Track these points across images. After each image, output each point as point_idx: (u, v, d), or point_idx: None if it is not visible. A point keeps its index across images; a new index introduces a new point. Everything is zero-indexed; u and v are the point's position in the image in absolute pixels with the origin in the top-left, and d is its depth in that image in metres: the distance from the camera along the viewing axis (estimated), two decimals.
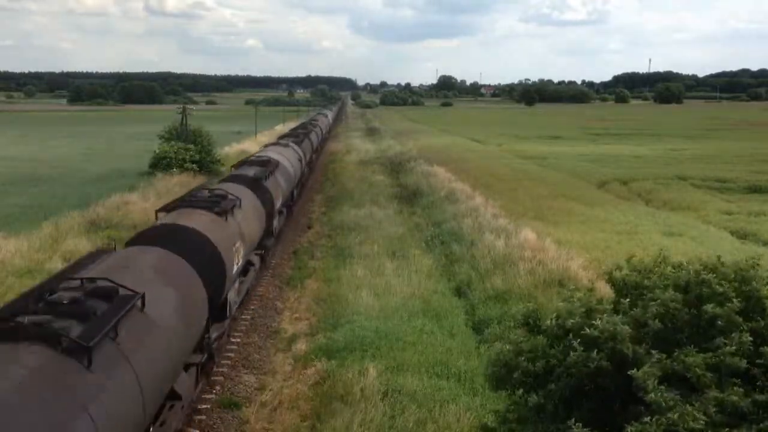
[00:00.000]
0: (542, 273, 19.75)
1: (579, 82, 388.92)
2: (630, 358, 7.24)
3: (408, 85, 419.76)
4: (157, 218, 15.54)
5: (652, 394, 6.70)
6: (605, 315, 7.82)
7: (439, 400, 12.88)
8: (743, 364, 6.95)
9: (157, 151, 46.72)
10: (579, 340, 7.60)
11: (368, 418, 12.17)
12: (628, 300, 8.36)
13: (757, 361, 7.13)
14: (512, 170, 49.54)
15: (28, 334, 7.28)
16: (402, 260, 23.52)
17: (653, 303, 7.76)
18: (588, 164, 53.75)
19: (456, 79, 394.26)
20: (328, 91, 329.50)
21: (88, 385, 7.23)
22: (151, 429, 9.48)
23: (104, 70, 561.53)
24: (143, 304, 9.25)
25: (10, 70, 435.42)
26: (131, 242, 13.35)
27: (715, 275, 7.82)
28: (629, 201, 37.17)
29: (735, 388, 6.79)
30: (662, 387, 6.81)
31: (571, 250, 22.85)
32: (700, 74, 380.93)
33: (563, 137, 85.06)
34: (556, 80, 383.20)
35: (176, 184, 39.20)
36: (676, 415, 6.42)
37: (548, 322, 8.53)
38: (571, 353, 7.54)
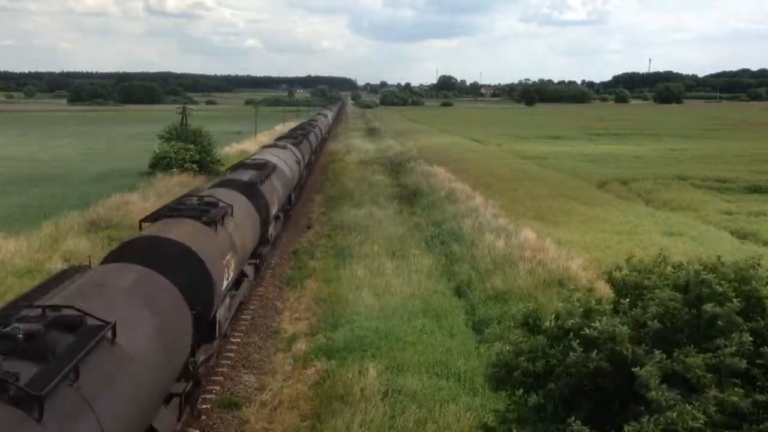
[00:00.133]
0: (542, 273, 19.76)
1: (579, 82, 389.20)
2: (629, 359, 7.24)
3: (408, 85, 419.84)
4: (141, 228, 14.40)
5: (654, 392, 6.70)
6: (605, 317, 7.81)
7: (439, 400, 12.88)
8: (743, 364, 6.95)
9: (157, 151, 46.73)
10: (578, 340, 7.60)
11: (368, 418, 12.17)
12: (627, 300, 8.36)
13: (758, 361, 7.13)
14: (512, 170, 49.55)
15: None
16: (402, 260, 23.52)
17: (653, 303, 7.76)
18: (588, 164, 53.76)
19: (456, 79, 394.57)
20: (328, 91, 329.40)
21: None
22: None
23: (104, 70, 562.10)
24: (114, 334, 8.13)
25: (10, 70, 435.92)
26: (108, 258, 12.36)
27: (715, 275, 7.82)
28: (629, 201, 37.17)
29: (735, 388, 6.79)
30: (664, 386, 6.81)
31: (571, 250, 22.85)
32: (700, 74, 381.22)
33: (563, 137, 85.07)
34: (556, 80, 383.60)
35: (176, 184, 39.21)
36: (675, 414, 6.42)
37: (548, 323, 8.53)
38: (571, 353, 7.54)
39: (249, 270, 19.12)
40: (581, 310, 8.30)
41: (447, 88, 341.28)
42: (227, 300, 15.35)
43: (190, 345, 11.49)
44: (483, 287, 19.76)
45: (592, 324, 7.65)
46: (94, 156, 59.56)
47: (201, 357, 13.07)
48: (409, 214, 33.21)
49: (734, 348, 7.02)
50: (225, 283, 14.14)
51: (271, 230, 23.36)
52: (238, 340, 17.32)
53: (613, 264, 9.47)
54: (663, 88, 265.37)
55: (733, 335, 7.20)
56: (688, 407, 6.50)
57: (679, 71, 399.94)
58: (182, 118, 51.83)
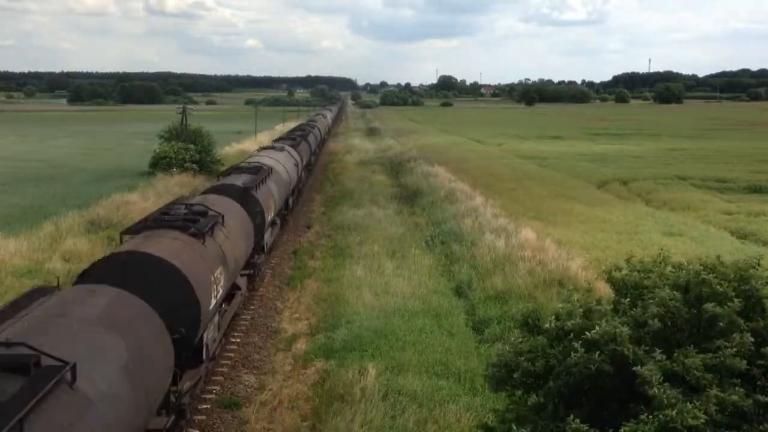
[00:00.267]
0: (542, 273, 19.76)
1: (579, 82, 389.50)
2: (630, 359, 7.24)
3: (408, 85, 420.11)
4: (121, 241, 13.38)
5: (656, 389, 6.70)
6: (606, 318, 7.80)
7: (439, 400, 12.89)
8: (744, 364, 6.95)
9: (157, 151, 46.73)
10: (580, 342, 7.60)
11: (368, 418, 12.17)
12: (628, 300, 8.36)
13: (758, 362, 7.13)
14: (512, 170, 49.55)
15: None
16: (402, 260, 23.52)
17: (653, 302, 7.76)
18: (588, 164, 53.76)
19: (456, 79, 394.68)
20: (328, 91, 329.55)
21: None
22: None
23: (104, 70, 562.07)
24: (74, 376, 6.98)
25: (10, 70, 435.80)
26: (81, 278, 11.20)
27: (715, 275, 7.82)
28: (629, 201, 37.17)
29: (736, 388, 6.79)
30: (666, 384, 6.82)
31: (571, 250, 22.87)
32: (700, 74, 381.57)
33: (563, 137, 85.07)
34: (556, 80, 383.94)
35: (176, 183, 39.23)
36: (674, 412, 6.42)
37: (548, 324, 8.53)
38: (572, 354, 7.54)
39: (242, 282, 17.96)
40: (581, 310, 8.30)
41: (447, 88, 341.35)
42: (216, 318, 14.22)
43: (170, 375, 10.30)
44: (483, 287, 19.76)
45: (594, 326, 7.64)
46: (94, 156, 59.55)
47: (186, 385, 11.96)
48: (409, 214, 33.22)
49: (735, 348, 7.02)
50: (213, 301, 12.90)
51: (267, 238, 22.22)
52: (239, 339, 17.32)
53: (613, 264, 9.46)
54: (663, 88, 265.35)
55: (734, 335, 7.20)
56: (689, 405, 6.50)
57: (679, 71, 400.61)
58: (182, 118, 51.82)
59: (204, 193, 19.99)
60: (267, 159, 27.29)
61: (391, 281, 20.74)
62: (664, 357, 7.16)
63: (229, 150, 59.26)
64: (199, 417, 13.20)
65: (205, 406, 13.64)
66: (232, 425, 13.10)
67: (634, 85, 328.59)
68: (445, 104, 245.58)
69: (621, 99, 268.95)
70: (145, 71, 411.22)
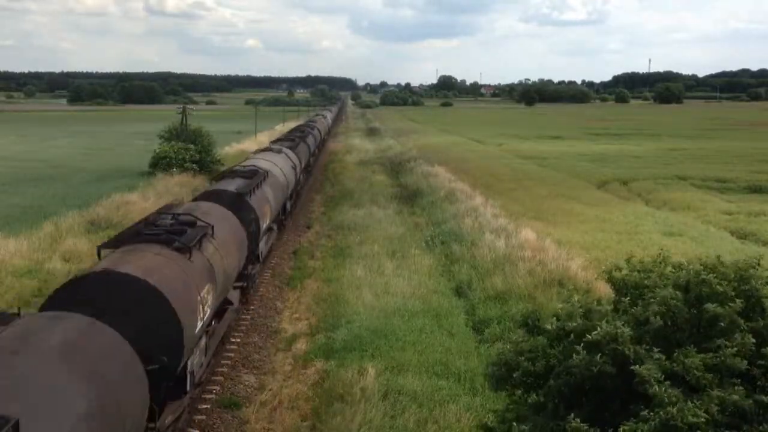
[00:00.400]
0: (542, 273, 19.76)
1: (579, 82, 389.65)
2: (631, 359, 7.24)
3: (408, 85, 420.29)
4: (99, 256, 12.29)
5: (656, 387, 6.70)
6: (606, 319, 7.80)
7: (439, 400, 12.89)
8: (744, 364, 6.95)
9: (157, 151, 46.75)
10: (582, 344, 7.60)
11: (368, 418, 12.17)
12: (628, 298, 8.37)
13: (759, 362, 7.13)
14: (512, 170, 49.55)
15: None
16: (402, 260, 23.52)
17: (654, 300, 7.76)
18: (588, 164, 53.76)
19: (456, 79, 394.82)
20: (328, 91, 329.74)
21: None
22: None
23: (104, 70, 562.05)
24: None
25: (10, 70, 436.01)
26: (46, 305, 10.05)
27: (715, 275, 7.83)
28: (629, 201, 37.16)
29: (737, 388, 6.80)
30: (667, 382, 6.82)
31: (571, 250, 22.87)
32: (700, 74, 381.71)
33: (563, 137, 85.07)
34: (556, 80, 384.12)
35: (176, 183, 39.24)
36: (675, 410, 6.42)
37: (549, 326, 8.52)
38: (574, 356, 7.54)
39: (234, 296, 16.84)
40: (581, 311, 8.30)
41: (447, 88, 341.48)
42: (203, 341, 13.05)
43: (145, 413, 9.22)
44: (483, 287, 19.76)
45: (595, 327, 7.63)
46: (94, 156, 59.55)
47: (168, 419, 10.81)
48: (409, 214, 33.22)
49: (735, 348, 7.03)
50: (199, 323, 11.79)
51: (262, 246, 21.07)
52: (239, 340, 17.32)
53: (613, 264, 9.46)
54: (663, 88, 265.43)
55: (735, 335, 7.21)
56: (689, 404, 6.51)
57: (679, 71, 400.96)
58: (182, 118, 51.83)
59: (195, 199, 18.81)
60: (263, 162, 26.11)
61: (391, 281, 20.74)
62: (664, 357, 7.16)
63: (229, 150, 59.28)
64: (199, 417, 13.20)
65: (205, 406, 13.64)
66: (232, 425, 13.10)
67: (634, 85, 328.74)
68: (445, 104, 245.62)
69: (621, 99, 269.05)
70: (145, 71, 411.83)
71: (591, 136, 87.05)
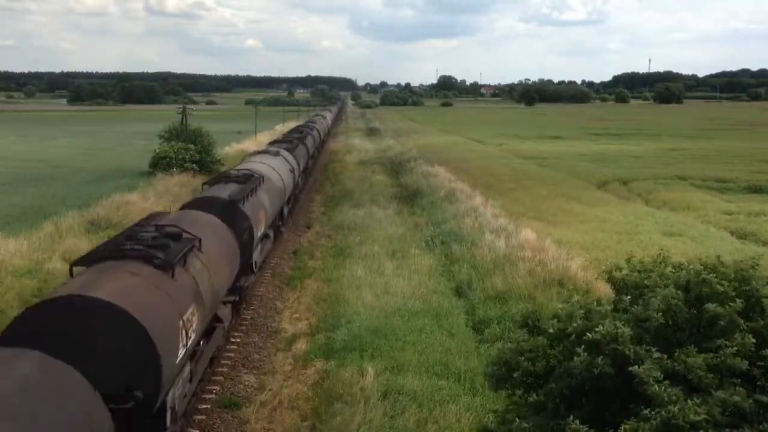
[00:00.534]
0: (542, 273, 19.77)
1: (579, 82, 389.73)
2: (631, 359, 7.24)
3: (408, 85, 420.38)
4: (72, 273, 10.96)
5: (655, 387, 6.70)
6: (607, 320, 7.80)
7: (439, 400, 12.88)
8: (744, 365, 6.96)
9: (157, 151, 46.74)
10: (583, 346, 7.59)
11: (368, 418, 12.17)
12: (628, 298, 8.38)
13: (758, 363, 7.14)
14: (512, 170, 49.55)
15: None
16: (402, 260, 23.52)
17: (654, 299, 7.77)
18: (588, 164, 53.76)
19: (456, 79, 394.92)
20: (328, 91, 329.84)
21: None
22: None
23: (104, 70, 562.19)
24: None
25: (10, 70, 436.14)
26: (6, 334, 8.96)
27: (715, 275, 7.83)
28: (629, 201, 37.17)
29: (737, 388, 6.80)
30: (666, 382, 6.82)
31: (571, 250, 22.88)
32: (700, 74, 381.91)
33: (563, 137, 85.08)
34: (556, 80, 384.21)
35: (176, 183, 39.23)
36: (676, 408, 6.43)
37: (551, 330, 8.52)
38: (575, 358, 7.54)
39: (224, 312, 15.62)
40: (581, 311, 8.30)
41: (447, 88, 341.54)
42: (187, 369, 11.86)
43: None
44: (483, 287, 19.76)
45: (596, 328, 7.63)
46: (94, 156, 59.55)
47: None
48: (409, 214, 33.22)
49: (735, 348, 7.03)
50: (182, 351, 10.59)
51: (257, 256, 19.85)
52: (239, 339, 17.33)
53: (613, 264, 9.46)
54: (663, 88, 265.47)
55: (735, 335, 7.21)
56: (690, 403, 6.51)
57: (679, 71, 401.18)
58: (182, 118, 51.84)
59: (183, 207, 17.53)
60: (259, 165, 24.91)
61: (391, 281, 20.74)
62: (665, 356, 7.16)
63: (229, 150, 59.27)
64: (199, 417, 13.21)
65: (205, 406, 13.64)
66: (232, 425, 13.10)
67: (634, 85, 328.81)
68: (445, 104, 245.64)
69: (621, 99, 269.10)
70: (145, 71, 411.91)
71: (591, 136, 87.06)
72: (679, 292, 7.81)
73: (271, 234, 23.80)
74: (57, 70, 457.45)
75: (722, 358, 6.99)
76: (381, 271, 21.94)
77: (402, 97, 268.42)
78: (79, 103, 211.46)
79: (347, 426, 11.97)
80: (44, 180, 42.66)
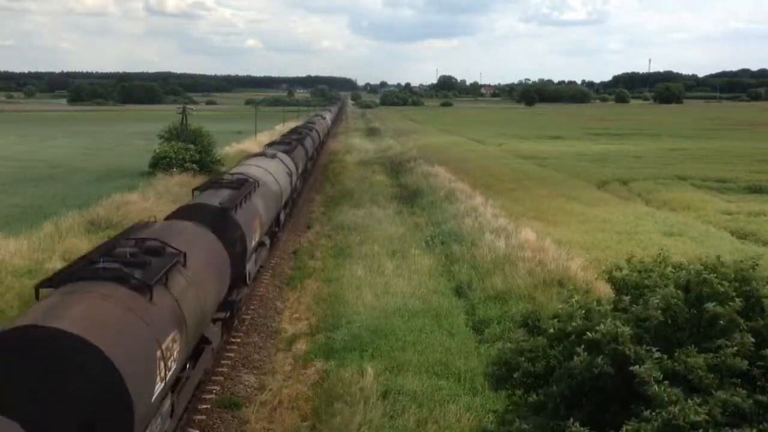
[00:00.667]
0: (542, 273, 19.77)
1: (579, 82, 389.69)
2: (631, 359, 7.25)
3: (408, 85, 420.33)
4: (38, 296, 9.92)
5: (655, 387, 6.70)
6: (608, 320, 7.80)
7: (439, 400, 12.89)
8: (744, 364, 6.96)
9: (157, 151, 46.75)
10: (583, 345, 7.60)
11: (368, 418, 12.17)
12: (628, 298, 8.38)
13: (758, 363, 7.14)
14: (512, 170, 49.55)
15: None
16: (402, 260, 23.52)
17: (654, 299, 7.77)
18: (588, 164, 53.76)
19: (456, 79, 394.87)
20: (328, 91, 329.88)
21: None
22: None
23: (104, 70, 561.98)
24: None
25: (10, 70, 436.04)
26: None
27: (715, 275, 7.83)
28: (629, 201, 37.17)
29: (738, 388, 6.80)
30: (666, 382, 6.83)
31: (571, 250, 22.88)
32: (700, 74, 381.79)
33: (563, 137, 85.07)
34: (556, 80, 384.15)
35: (176, 183, 39.23)
36: (676, 409, 6.43)
37: (551, 330, 8.52)
38: (575, 358, 7.54)
39: (213, 331, 14.30)
40: (582, 311, 8.30)
41: (447, 88, 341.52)
42: (167, 404, 10.60)
43: None
44: (483, 287, 19.76)
45: (596, 327, 7.64)
46: (94, 156, 59.55)
47: None
48: (409, 214, 33.22)
49: (735, 348, 7.03)
50: (159, 387, 9.39)
51: (250, 267, 18.51)
52: (239, 340, 17.33)
53: (613, 264, 9.46)
54: (663, 88, 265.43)
55: (735, 335, 7.21)
56: (690, 403, 6.51)
57: (679, 71, 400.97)
58: (182, 118, 51.84)
59: (169, 217, 16.35)
60: (254, 169, 23.82)
61: (391, 281, 20.75)
62: (665, 356, 7.16)
63: (229, 150, 59.26)
64: (199, 417, 13.21)
65: (205, 406, 13.64)
66: (232, 425, 13.10)
67: (634, 85, 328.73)
68: (445, 104, 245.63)
69: (621, 99, 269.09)
70: (145, 71, 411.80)
71: (591, 136, 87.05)
72: (679, 291, 7.82)
73: (267, 241, 22.88)
74: (57, 70, 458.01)
75: (722, 358, 6.99)
76: (381, 271, 21.94)
77: (402, 97, 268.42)
78: (79, 103, 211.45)
79: (347, 426, 11.97)
80: (44, 180, 42.66)
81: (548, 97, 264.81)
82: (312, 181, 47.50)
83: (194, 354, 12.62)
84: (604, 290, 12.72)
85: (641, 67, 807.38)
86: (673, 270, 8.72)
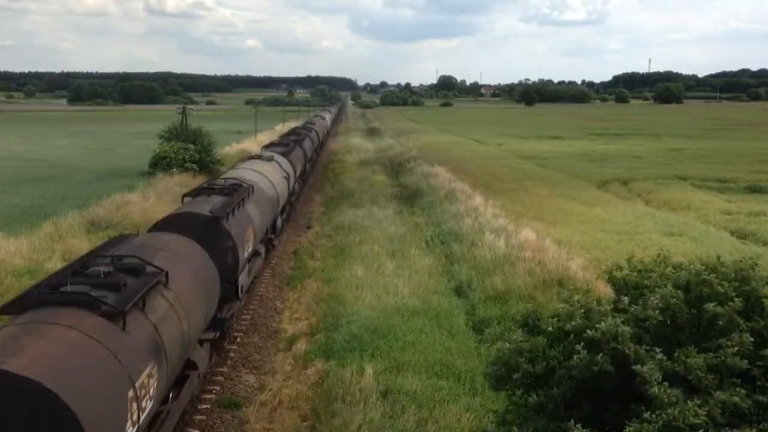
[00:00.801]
0: (542, 273, 19.76)
1: (579, 82, 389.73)
2: (631, 359, 7.25)
3: (408, 85, 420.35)
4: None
5: (656, 388, 6.70)
6: (609, 318, 7.81)
7: (439, 400, 12.89)
8: (744, 364, 6.96)
9: (157, 151, 46.73)
10: (582, 344, 7.60)
11: (368, 418, 12.17)
12: (628, 298, 8.38)
13: (757, 363, 7.14)
14: (512, 170, 49.53)
15: None
16: (402, 260, 23.52)
17: (653, 298, 7.77)
18: (588, 164, 53.75)
19: (456, 79, 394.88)
20: (328, 91, 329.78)
21: None
22: None
23: (104, 70, 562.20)
24: None
25: (10, 70, 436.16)
26: None
27: (715, 275, 7.83)
28: (629, 201, 37.15)
29: (737, 389, 6.80)
30: (666, 383, 6.82)
31: (571, 250, 22.87)
32: (700, 74, 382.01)
33: (563, 137, 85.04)
34: (556, 80, 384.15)
35: (176, 183, 39.20)
36: (676, 411, 6.43)
37: (550, 328, 8.52)
38: (575, 356, 7.54)
39: (200, 355, 12.82)
40: (582, 311, 8.30)
41: (447, 88, 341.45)
42: None
43: None
44: (483, 287, 19.76)
45: (596, 325, 7.64)
46: (94, 156, 59.53)
47: None
48: (409, 214, 33.22)
49: (735, 348, 7.03)
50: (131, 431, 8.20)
51: (243, 279, 17.22)
52: (239, 340, 17.32)
53: (614, 264, 9.46)
54: (663, 88, 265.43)
55: (734, 335, 7.21)
56: (690, 404, 6.51)
57: (679, 71, 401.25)
58: (182, 118, 51.82)
59: (153, 228, 15.23)
60: (249, 173, 22.77)
61: (391, 281, 20.74)
62: (665, 357, 7.16)
63: (229, 150, 59.23)
64: (199, 417, 13.20)
65: (205, 406, 13.64)
66: (232, 425, 13.09)
67: (634, 85, 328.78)
68: (445, 104, 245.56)
69: (621, 99, 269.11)
70: (145, 71, 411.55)
71: (591, 136, 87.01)
72: (678, 291, 7.82)
73: (262, 250, 21.62)
74: (57, 70, 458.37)
75: (722, 357, 6.99)
76: (381, 271, 21.94)
77: (402, 97, 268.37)
78: (79, 103, 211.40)
79: (347, 426, 11.97)
80: (44, 180, 42.65)
81: (548, 97, 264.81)
82: (312, 181, 47.48)
83: (178, 382, 11.24)
84: (604, 290, 12.71)
85: (641, 67, 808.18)
86: (673, 270, 8.73)
